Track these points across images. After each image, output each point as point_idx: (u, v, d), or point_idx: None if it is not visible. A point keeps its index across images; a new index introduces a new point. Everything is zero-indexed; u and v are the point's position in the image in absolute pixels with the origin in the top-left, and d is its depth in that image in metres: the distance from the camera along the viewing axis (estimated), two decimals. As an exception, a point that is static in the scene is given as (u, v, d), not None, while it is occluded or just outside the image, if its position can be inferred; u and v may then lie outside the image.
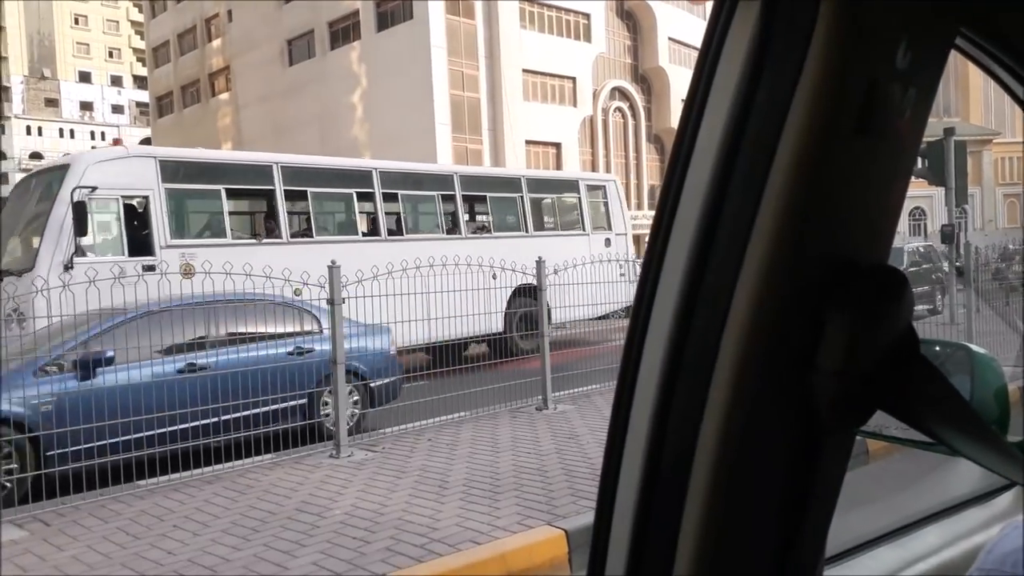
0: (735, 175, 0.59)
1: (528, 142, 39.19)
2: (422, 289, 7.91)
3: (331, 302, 6.88)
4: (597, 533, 0.66)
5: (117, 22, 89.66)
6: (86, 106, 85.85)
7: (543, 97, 40.31)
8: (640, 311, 0.64)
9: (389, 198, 13.33)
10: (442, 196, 13.92)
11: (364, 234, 13.01)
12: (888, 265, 0.61)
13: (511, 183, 15.30)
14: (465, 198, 14.39)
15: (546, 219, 15.92)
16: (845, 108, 0.57)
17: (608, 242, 15.13)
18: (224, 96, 48.70)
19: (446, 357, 7.98)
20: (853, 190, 0.59)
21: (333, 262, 7.07)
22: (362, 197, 13.13)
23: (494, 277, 9.00)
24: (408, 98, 35.95)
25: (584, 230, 15.61)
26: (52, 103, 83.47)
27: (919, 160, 13.41)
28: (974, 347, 0.98)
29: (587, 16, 41.96)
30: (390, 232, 13.15)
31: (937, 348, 0.90)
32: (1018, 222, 52.46)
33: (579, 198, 15.78)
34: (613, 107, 45.09)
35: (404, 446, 6.99)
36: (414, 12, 36.46)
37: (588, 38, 42.21)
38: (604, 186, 16.88)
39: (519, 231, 14.68)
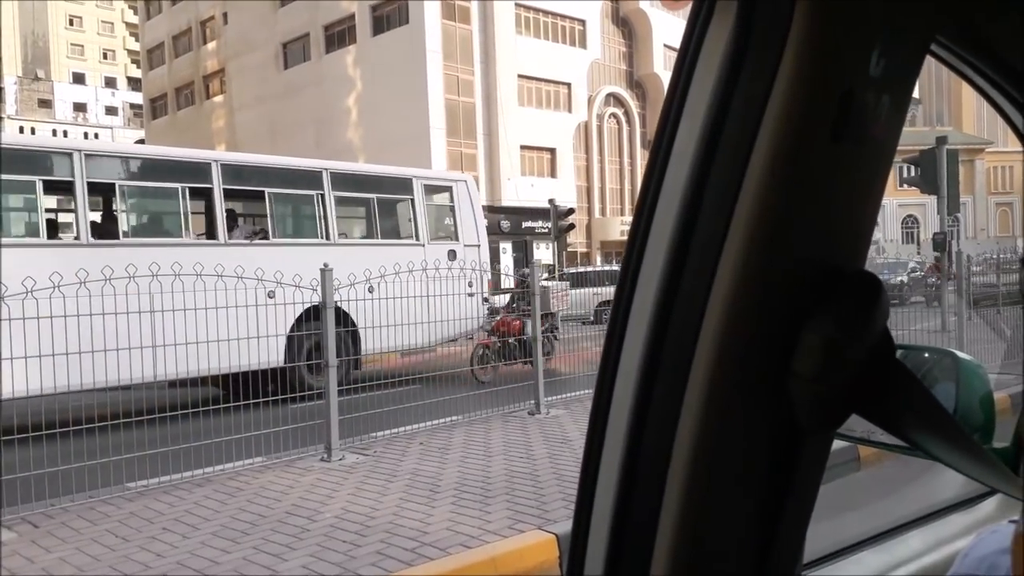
0: (711, 179, 0.59)
1: (523, 147, 39.28)
2: (146, 308, 6.46)
3: (324, 305, 6.87)
4: (576, 534, 0.66)
5: (112, 24, 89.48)
6: (80, 107, 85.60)
7: (538, 102, 40.41)
8: (618, 315, 0.65)
9: (98, 190, 10.15)
10: (189, 190, 10.37)
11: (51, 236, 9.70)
12: (864, 270, 0.61)
13: (307, 178, 11.85)
14: (232, 194, 11.10)
15: (362, 225, 13.22)
16: (820, 113, 0.57)
17: (453, 255, 12.44)
18: (219, 99, 48.64)
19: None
20: (828, 195, 0.59)
21: (326, 265, 6.98)
22: (53, 188, 9.89)
23: (271, 295, 7.33)
24: (403, 102, 35.98)
25: (418, 240, 12.71)
26: (46, 104, 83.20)
27: (911, 168, 13.49)
28: (960, 354, 0.99)
29: (583, 22, 42.11)
30: (102, 233, 10.01)
31: (924, 355, 0.90)
32: (1010, 231, 52.72)
33: (413, 200, 12.84)
34: (608, 113, 45.22)
35: (396, 450, 6.97)
36: (410, 17, 36.52)
37: (583, 44, 42.35)
38: (451, 187, 13.59)
39: (317, 238, 11.70)
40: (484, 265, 12.65)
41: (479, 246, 13.33)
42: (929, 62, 0.69)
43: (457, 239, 13.21)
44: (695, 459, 0.58)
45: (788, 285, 0.58)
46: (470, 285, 9.90)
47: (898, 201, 43.96)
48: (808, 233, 0.59)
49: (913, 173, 13.59)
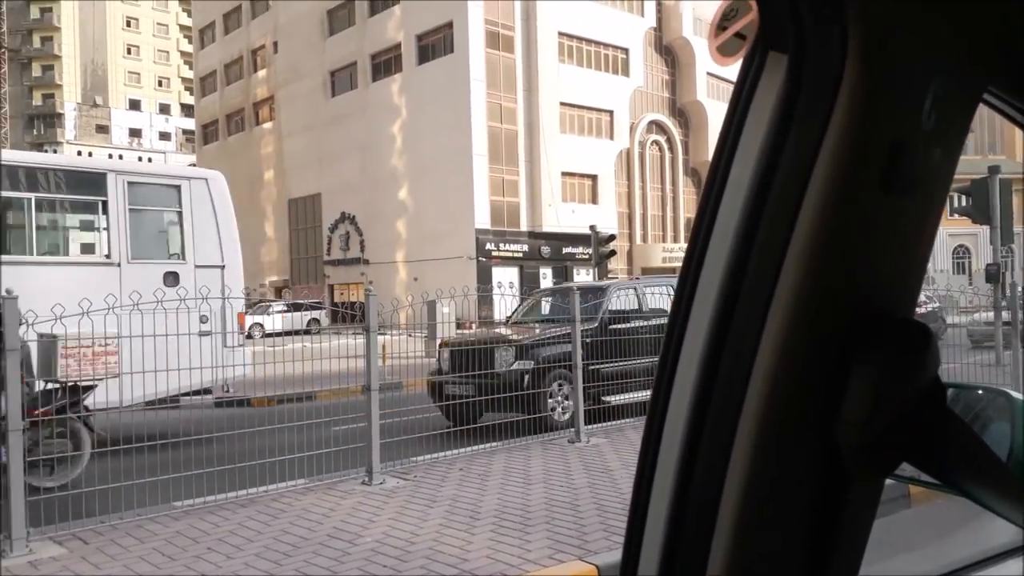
0: (761, 226, 0.60)
1: (564, 174, 39.42)
2: None
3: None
4: (627, 554, 0.67)
5: (167, 52, 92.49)
6: (135, 133, 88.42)
7: (580, 130, 40.59)
8: (668, 358, 0.65)
9: None
10: None
11: None
12: (913, 319, 0.61)
13: None
14: None
15: (46, 236, 10.15)
16: (870, 163, 0.57)
17: (173, 278, 9.55)
18: (268, 125, 49.85)
19: None
20: (878, 244, 0.60)
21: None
22: None
23: None
24: (447, 129, 36.45)
25: (109, 258, 9.53)
26: (103, 129, 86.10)
27: (963, 198, 13.20)
28: (1015, 393, 0.97)
29: (625, 51, 42.31)
30: None
31: (978, 392, 0.88)
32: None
33: (105, 203, 9.51)
34: (650, 140, 45.20)
35: (436, 475, 6.98)
36: (455, 46, 37.11)
37: (626, 72, 42.52)
38: (179, 187, 10.24)
39: None
40: (234, 291, 9.71)
41: (223, 267, 10.18)
42: None
43: (183, 257, 10.08)
44: (745, 500, 0.59)
45: (837, 331, 0.59)
46: (203, 321, 7.46)
47: (948, 231, 42.97)
48: (857, 281, 0.60)
49: (965, 203, 13.31)
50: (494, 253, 36.76)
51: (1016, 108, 0.72)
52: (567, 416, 9.07)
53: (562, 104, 39.26)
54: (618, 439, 8.42)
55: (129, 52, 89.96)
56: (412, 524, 5.46)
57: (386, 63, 41.23)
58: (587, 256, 28.91)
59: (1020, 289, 11.82)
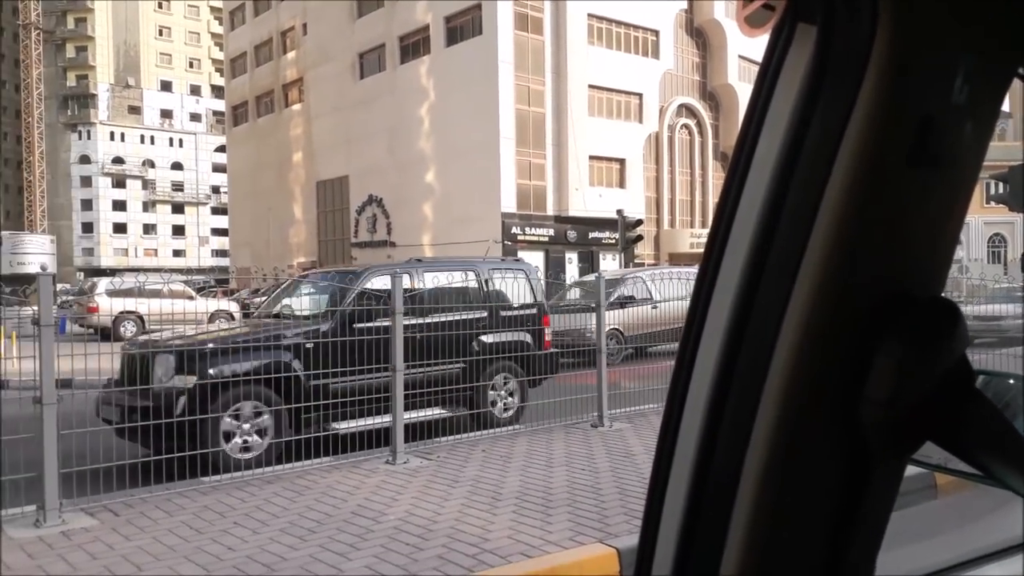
0: (788, 200, 0.59)
1: (592, 157, 39.17)
2: None
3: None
4: (641, 555, 0.66)
5: (198, 34, 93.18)
6: (166, 114, 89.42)
7: (608, 113, 40.25)
8: (691, 334, 0.65)
9: None
10: None
11: None
12: (941, 297, 0.60)
13: None
14: None
15: None
16: (898, 137, 0.56)
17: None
18: (297, 107, 50.09)
19: None
20: (906, 220, 0.59)
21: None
22: None
23: None
24: (474, 112, 36.35)
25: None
26: (135, 110, 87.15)
27: (999, 185, 12.91)
28: None
29: (656, 33, 41.80)
30: None
31: (1009, 381, 0.87)
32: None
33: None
34: (680, 124, 44.73)
35: (458, 456, 7.03)
36: (483, 27, 36.92)
37: (656, 55, 42.03)
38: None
39: None
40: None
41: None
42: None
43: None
44: (765, 480, 0.59)
45: (863, 309, 0.58)
46: None
47: (984, 219, 42.11)
48: (884, 257, 0.59)
49: (1001, 190, 13.00)
50: (520, 237, 36.71)
51: None
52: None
53: (591, 87, 38.93)
54: (641, 424, 8.42)
55: (161, 33, 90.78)
56: (434, 503, 5.51)
57: (414, 45, 41.16)
58: (614, 241, 28.81)
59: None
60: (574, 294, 15.36)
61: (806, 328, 0.58)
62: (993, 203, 13.45)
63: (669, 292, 13.39)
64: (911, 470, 0.66)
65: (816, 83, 0.58)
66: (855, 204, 0.57)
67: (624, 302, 14.27)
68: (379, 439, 7.07)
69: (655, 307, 13.54)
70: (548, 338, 9.35)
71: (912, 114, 0.57)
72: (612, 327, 12.14)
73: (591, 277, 12.49)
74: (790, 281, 0.58)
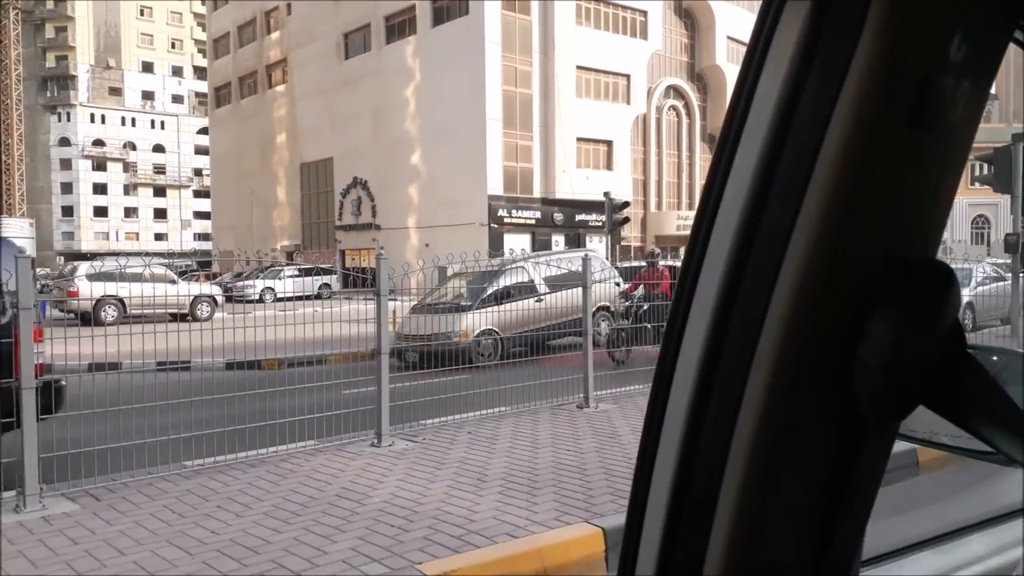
0: (782, 161, 0.58)
1: (579, 139, 39.09)
2: None
3: (379, 294, 6.94)
4: (630, 524, 0.66)
5: (180, 14, 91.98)
6: (148, 95, 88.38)
7: (596, 94, 40.13)
8: (681, 302, 0.63)
9: None
10: None
11: None
12: (935, 260, 0.59)
13: None
14: None
15: None
16: (897, 97, 0.55)
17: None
18: (280, 88, 49.62)
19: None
20: (902, 182, 0.58)
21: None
22: None
23: None
24: (461, 93, 36.14)
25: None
26: (116, 92, 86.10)
27: (984, 166, 12.99)
28: None
29: (644, 13, 41.63)
30: None
31: (993, 357, 0.86)
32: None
33: None
34: (667, 105, 44.68)
35: (444, 438, 7.02)
36: (470, 8, 36.64)
37: (644, 35, 41.88)
38: None
39: None
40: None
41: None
42: (1008, 57, 0.66)
43: None
44: (756, 448, 0.57)
45: (858, 272, 0.57)
46: None
47: (968, 200, 42.44)
48: (880, 219, 0.58)
49: (986, 171, 13.09)
50: (507, 220, 36.66)
51: None
52: None
53: (578, 68, 38.78)
54: (627, 405, 8.43)
55: (142, 13, 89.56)
56: (420, 485, 5.50)
57: (400, 25, 40.81)
58: (601, 223, 28.79)
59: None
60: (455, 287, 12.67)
61: (799, 292, 0.57)
62: (978, 184, 13.53)
63: (559, 281, 11.70)
64: (894, 447, 0.65)
65: (812, 41, 0.57)
66: (851, 165, 0.56)
67: (501, 296, 11.82)
68: (364, 422, 7.04)
69: (540, 300, 11.65)
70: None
71: (911, 73, 0.56)
72: (485, 328, 11.06)
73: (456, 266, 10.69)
74: (784, 244, 0.57)
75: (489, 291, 11.98)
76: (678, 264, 15.81)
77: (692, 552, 0.59)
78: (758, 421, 0.57)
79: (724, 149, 0.62)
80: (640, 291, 11.72)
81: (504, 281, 12.23)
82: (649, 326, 10.24)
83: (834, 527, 0.59)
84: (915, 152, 0.57)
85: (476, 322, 10.85)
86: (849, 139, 0.55)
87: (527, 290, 12.33)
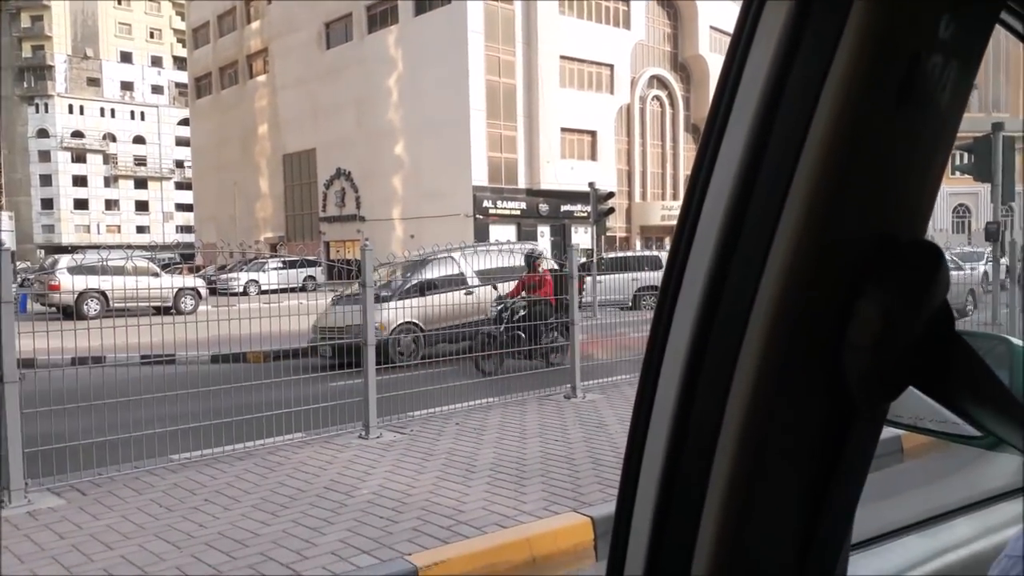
0: (772, 139, 0.57)
1: (563, 129, 39.03)
2: None
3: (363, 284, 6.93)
4: (618, 523, 0.65)
5: (158, 3, 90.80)
6: (127, 86, 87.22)
7: (580, 84, 40.06)
8: (670, 285, 0.63)
9: None
10: None
11: None
12: (924, 240, 0.59)
13: None
14: None
15: None
16: (886, 77, 0.55)
17: None
18: (262, 78, 49.16)
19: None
20: (891, 160, 0.58)
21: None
22: None
23: None
24: (444, 83, 35.96)
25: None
26: (94, 82, 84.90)
27: (965, 155, 13.11)
28: (1015, 340, 0.95)
29: (627, 3, 41.57)
30: None
31: (977, 341, 0.87)
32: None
33: None
34: (651, 95, 44.69)
35: (432, 429, 7.02)
36: (452, -4, 36.42)
37: (627, 25, 41.83)
38: None
39: None
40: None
41: None
42: (990, 48, 0.67)
43: None
44: (745, 433, 0.57)
45: (846, 252, 0.57)
46: None
47: (949, 189, 42.81)
48: (869, 199, 0.57)
49: (967, 160, 13.20)
50: (491, 211, 36.60)
51: None
52: None
53: (562, 57, 38.68)
54: (614, 395, 8.47)
55: (120, 2, 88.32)
56: (408, 477, 5.50)
57: (382, 14, 40.50)
58: (586, 214, 28.80)
59: (1020, 246, 11.80)
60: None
61: (788, 276, 0.56)
62: (958, 173, 13.65)
63: (499, 274, 10.97)
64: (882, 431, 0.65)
65: (802, 19, 0.57)
66: (841, 143, 0.55)
67: (425, 288, 10.70)
68: (352, 413, 7.03)
69: (470, 292, 10.92)
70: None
71: (901, 50, 0.55)
72: (405, 321, 9.91)
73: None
74: (773, 224, 0.57)
75: (412, 282, 11.05)
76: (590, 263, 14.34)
77: (681, 545, 0.59)
78: (747, 406, 0.57)
79: (713, 128, 0.61)
80: (521, 298, 10.10)
81: (430, 272, 11.28)
82: (523, 334, 9.04)
83: (824, 512, 0.59)
84: (904, 131, 0.57)
85: (394, 315, 9.71)
86: (839, 117, 0.55)
87: (456, 282, 11.40)
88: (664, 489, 0.61)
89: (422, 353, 9.54)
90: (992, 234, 12.86)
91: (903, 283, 0.56)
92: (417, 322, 9.93)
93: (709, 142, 0.61)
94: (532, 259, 10.83)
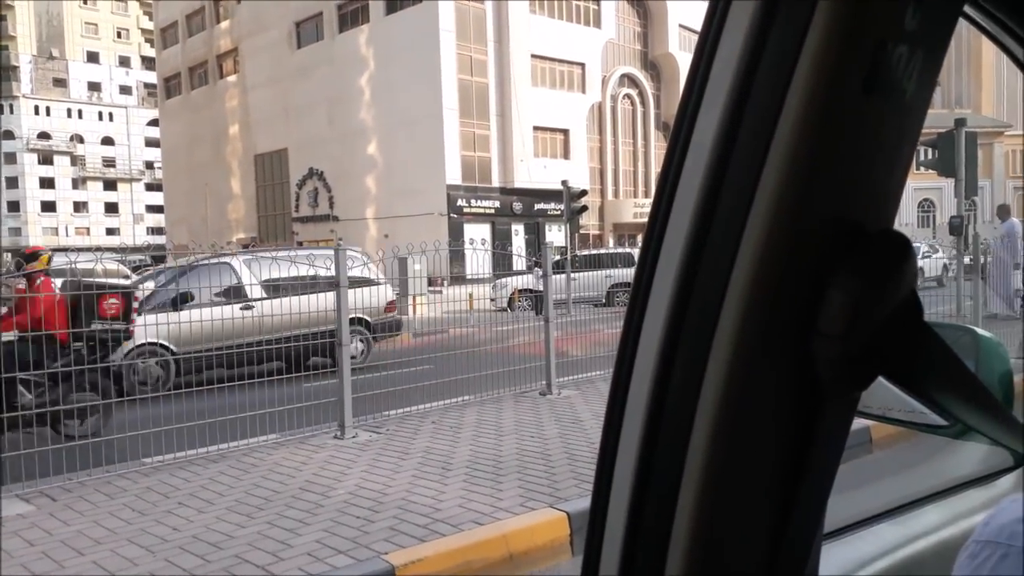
0: (741, 131, 0.58)
1: (536, 128, 39.09)
2: None
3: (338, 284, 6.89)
4: (592, 523, 0.65)
5: (125, 2, 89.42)
6: (94, 86, 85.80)
7: (552, 83, 40.14)
8: (642, 280, 0.63)
9: None
10: None
11: None
12: (892, 229, 0.60)
13: None
14: None
15: None
16: (852, 68, 0.56)
17: None
18: (232, 78, 48.64)
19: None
20: (859, 150, 0.58)
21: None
22: None
23: None
24: (416, 82, 35.85)
25: None
26: (60, 83, 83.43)
27: (929, 151, 13.34)
28: (980, 331, 0.98)
29: (597, 2, 41.74)
30: None
31: (944, 332, 0.89)
32: (1027, 215, 52.04)
33: None
34: (622, 94, 44.89)
35: (408, 428, 7.01)
36: (423, -5, 36.30)
37: (598, 24, 41.99)
38: None
39: None
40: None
41: None
42: (953, 44, 0.68)
43: None
44: (717, 423, 0.58)
45: (816, 242, 0.57)
46: None
47: (914, 185, 43.50)
48: (837, 189, 0.58)
49: (930, 156, 13.42)
50: (466, 209, 36.54)
51: (994, 19, 0.71)
52: None
53: (533, 56, 38.73)
54: (589, 391, 8.52)
55: (85, 2, 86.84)
56: (385, 476, 5.49)
57: (353, 13, 40.26)
58: (559, 212, 28.87)
59: (983, 239, 12.02)
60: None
61: (759, 264, 0.57)
62: (923, 169, 13.87)
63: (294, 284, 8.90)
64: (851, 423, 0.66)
65: (770, 8, 0.57)
66: (810, 133, 0.56)
67: (181, 301, 8.48)
68: (327, 414, 7.00)
69: (249, 307, 8.94)
70: None
71: (867, 39, 0.56)
72: (148, 341, 7.83)
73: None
74: (744, 215, 0.57)
75: (159, 296, 9.11)
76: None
77: (656, 537, 0.60)
78: (720, 398, 0.57)
79: (683, 121, 0.62)
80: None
81: (192, 282, 8.86)
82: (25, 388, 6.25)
83: (796, 501, 0.60)
84: (871, 121, 0.57)
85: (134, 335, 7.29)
86: (807, 107, 0.55)
87: (231, 294, 9.63)
88: (638, 483, 0.61)
89: (172, 382, 7.87)
90: (956, 228, 13.08)
91: (872, 272, 0.56)
92: (167, 343, 8.27)
93: (680, 135, 0.62)
94: (22, 263, 7.33)
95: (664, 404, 0.60)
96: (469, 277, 13.58)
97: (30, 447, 5.43)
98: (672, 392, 0.60)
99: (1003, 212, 14.48)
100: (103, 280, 8.23)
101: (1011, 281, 11.97)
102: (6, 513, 4.97)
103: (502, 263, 13.33)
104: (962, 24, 0.70)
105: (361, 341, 9.90)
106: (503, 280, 14.96)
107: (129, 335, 6.97)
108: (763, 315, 0.57)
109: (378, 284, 9.34)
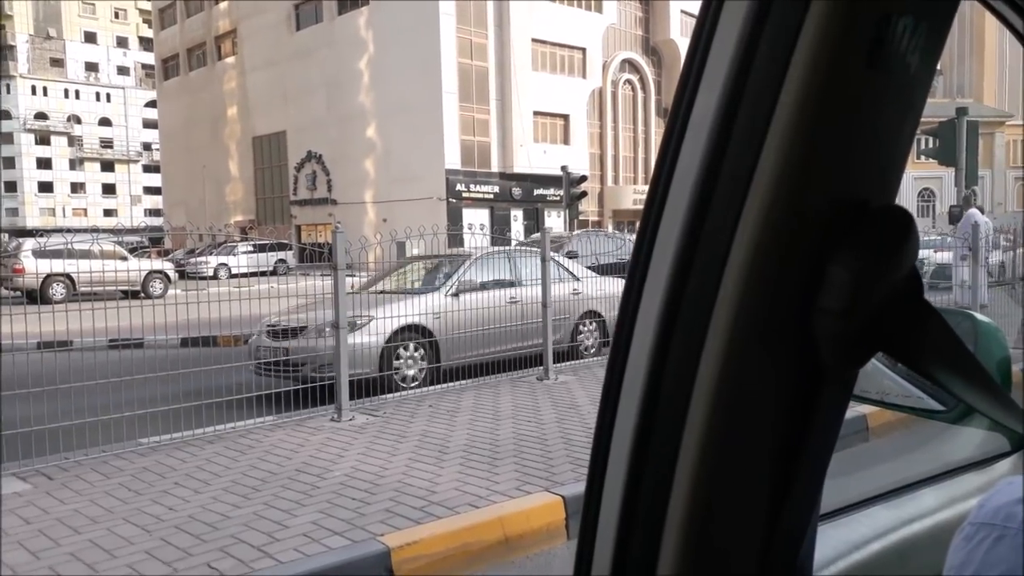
0: (742, 105, 0.57)
1: (536, 113, 38.94)
2: None
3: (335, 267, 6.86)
4: (585, 519, 0.65)
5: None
6: (91, 67, 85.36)
7: (552, 67, 39.95)
8: (639, 262, 0.63)
9: None
10: None
11: None
12: (894, 205, 0.60)
13: None
14: None
15: None
16: (855, 42, 0.55)
17: None
18: (230, 60, 48.36)
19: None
20: (862, 125, 0.57)
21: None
22: None
23: None
24: (416, 65, 35.67)
25: None
26: (57, 63, 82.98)
27: (929, 140, 13.31)
28: (979, 316, 0.97)
29: (599, -14, 41.46)
30: None
31: (944, 315, 0.88)
32: (1027, 205, 52.09)
33: None
34: (623, 79, 44.71)
35: (405, 412, 7.02)
36: (424, -22, 36.05)
37: (599, 8, 41.74)
38: None
39: None
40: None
41: None
42: (954, 32, 0.67)
43: None
44: (714, 400, 0.57)
45: (817, 218, 0.57)
46: None
47: (914, 174, 43.47)
48: (840, 164, 0.57)
49: (931, 145, 13.41)
50: (464, 194, 36.47)
51: None
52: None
53: (534, 40, 38.51)
54: (586, 376, 8.53)
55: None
56: (381, 459, 5.50)
57: (353, -5, 40.01)
58: (559, 198, 28.82)
59: (982, 228, 12.03)
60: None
61: (759, 240, 0.56)
62: (923, 158, 13.84)
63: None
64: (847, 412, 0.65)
65: None
66: (812, 107, 0.55)
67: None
68: (324, 396, 7.00)
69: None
70: None
71: (871, 12, 0.55)
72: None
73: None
74: (744, 191, 0.56)
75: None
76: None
77: (651, 521, 0.60)
78: (717, 377, 0.57)
79: (683, 96, 0.61)
80: None
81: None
82: None
83: (794, 476, 0.59)
84: (874, 94, 0.57)
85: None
86: (809, 82, 0.54)
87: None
88: (634, 464, 0.61)
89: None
90: (955, 217, 13.09)
91: (873, 247, 0.56)
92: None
93: (679, 112, 0.61)
94: None
95: (660, 386, 0.60)
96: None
97: (27, 426, 5.42)
98: (668, 373, 0.59)
99: (965, 202, 14.39)
100: None
101: (962, 272, 11.95)
102: (3, 491, 4.97)
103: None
104: (965, 6, 0.69)
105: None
106: None
107: None
108: (762, 296, 0.57)
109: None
